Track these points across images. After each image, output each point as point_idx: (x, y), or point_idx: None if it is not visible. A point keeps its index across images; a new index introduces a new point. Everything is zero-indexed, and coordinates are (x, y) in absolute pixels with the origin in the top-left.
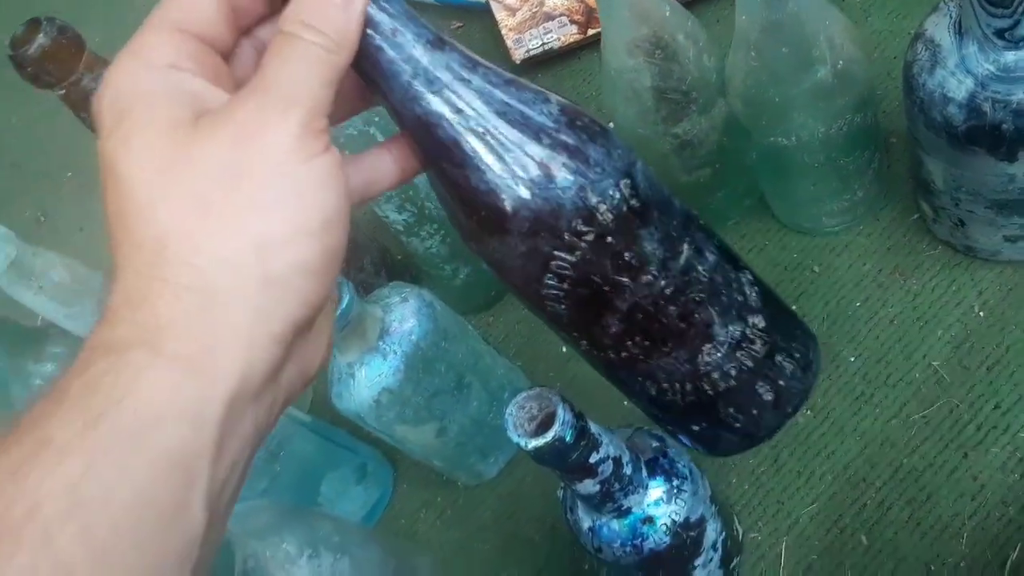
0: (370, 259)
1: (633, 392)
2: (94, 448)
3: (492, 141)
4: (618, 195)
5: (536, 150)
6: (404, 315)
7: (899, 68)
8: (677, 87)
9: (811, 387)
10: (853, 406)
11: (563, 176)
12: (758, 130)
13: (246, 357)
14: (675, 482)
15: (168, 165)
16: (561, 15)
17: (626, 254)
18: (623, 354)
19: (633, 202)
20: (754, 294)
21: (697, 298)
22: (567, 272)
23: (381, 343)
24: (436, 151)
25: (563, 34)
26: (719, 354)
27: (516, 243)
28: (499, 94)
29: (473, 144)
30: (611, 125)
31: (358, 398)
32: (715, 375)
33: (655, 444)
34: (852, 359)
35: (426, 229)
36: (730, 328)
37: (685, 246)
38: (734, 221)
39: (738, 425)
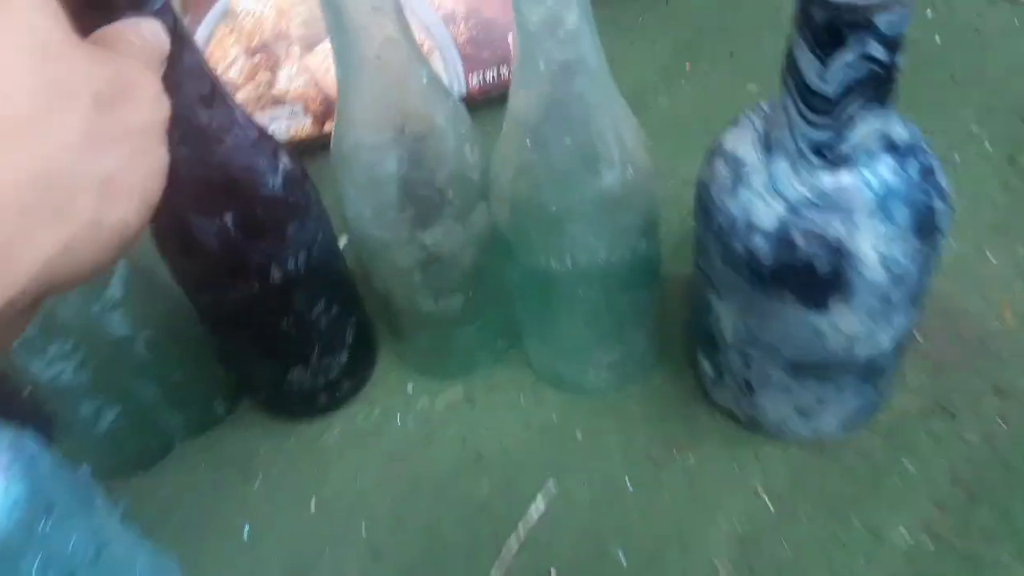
0: None
1: None
2: None
3: None
4: None
5: None
6: None
7: (677, 202)
8: (429, 180)
9: None
10: None
11: None
12: (525, 247)
13: (27, 272)
14: None
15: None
16: (294, 101)
17: None
18: None
19: None
20: None
21: None
22: None
23: None
24: None
25: (294, 125)
26: None
27: None
28: None
29: None
30: (343, 239)
31: None
32: None
33: None
34: (621, 554)
35: (55, 348)
36: None
37: None
38: (484, 368)
39: None
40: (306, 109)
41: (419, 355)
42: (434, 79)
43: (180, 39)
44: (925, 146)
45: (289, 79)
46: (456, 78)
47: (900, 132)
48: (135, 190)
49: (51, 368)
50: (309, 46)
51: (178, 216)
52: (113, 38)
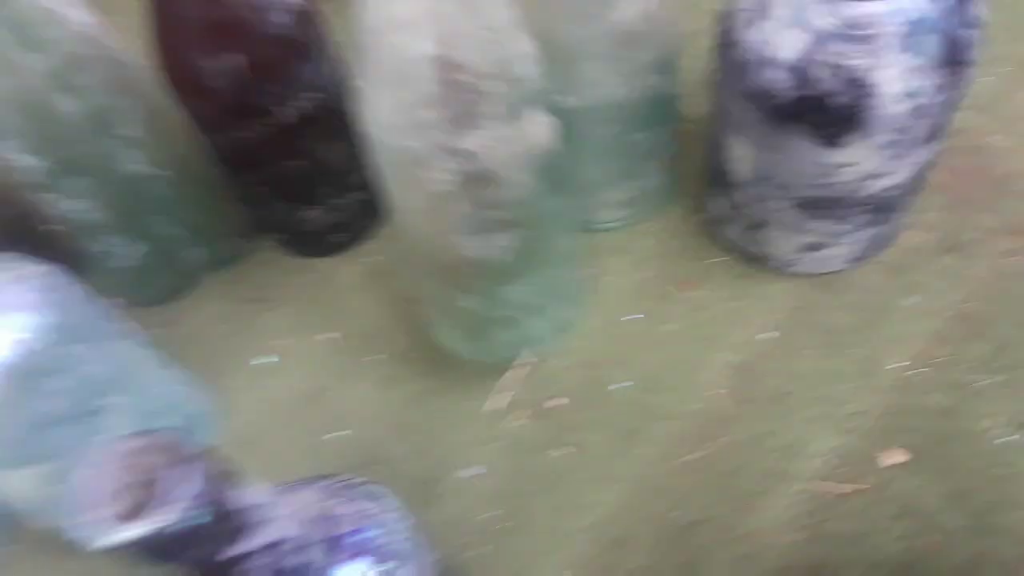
0: None
1: None
2: None
3: None
4: None
5: None
6: (8, 303)
7: (701, 37)
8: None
9: None
10: (622, 445)
11: None
12: None
13: None
14: (386, 566)
15: None
16: None
17: None
18: None
19: None
20: None
21: None
22: None
23: None
24: None
25: None
26: None
27: None
28: None
29: None
30: None
31: None
32: None
33: (363, 508)
34: (625, 384)
35: (73, 183)
36: None
37: None
38: (540, 343)
39: None
40: None
41: (457, 332)
42: None
43: None
44: None
45: None
46: None
47: None
48: None
49: (74, 205)
50: None
51: (184, 55)
52: None
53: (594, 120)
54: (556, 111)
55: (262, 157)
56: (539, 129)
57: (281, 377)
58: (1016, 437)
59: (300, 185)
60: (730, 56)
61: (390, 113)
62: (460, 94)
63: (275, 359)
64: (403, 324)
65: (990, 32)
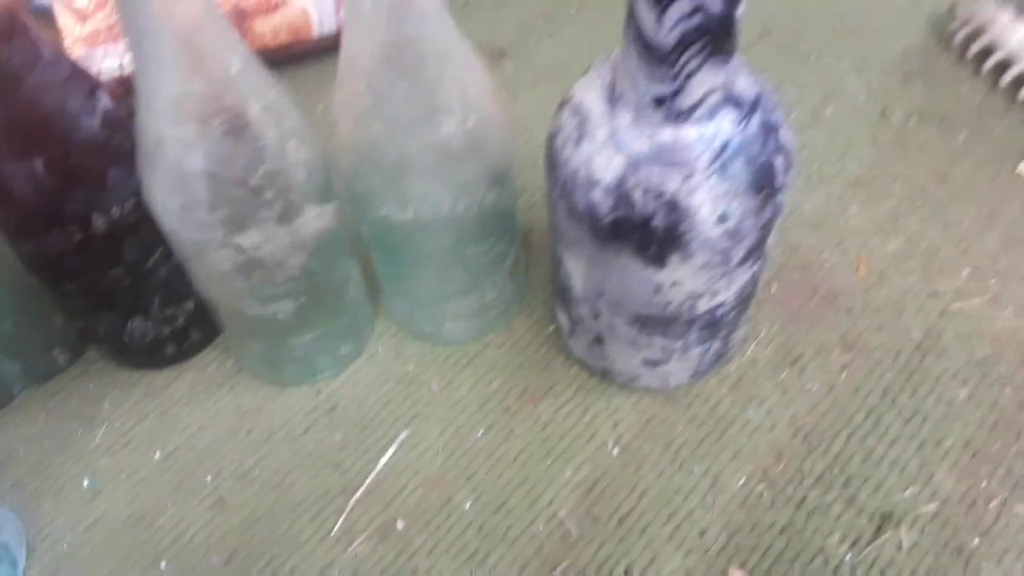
0: None
1: None
2: None
3: None
4: None
5: None
6: None
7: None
8: (243, 179)
9: None
10: (463, 570)
11: None
12: (369, 198)
13: None
14: None
15: None
16: None
17: None
18: None
19: None
20: None
21: None
22: None
23: None
24: None
25: None
26: None
27: None
28: None
29: None
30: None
31: None
32: None
33: None
34: (467, 505)
35: None
36: None
37: None
38: (326, 374)
39: None
40: None
41: (254, 361)
42: (250, 64)
43: None
44: (772, 101)
45: None
46: (327, 11)
47: (744, 87)
48: None
49: None
50: None
51: None
52: None
53: (430, 233)
54: (387, 225)
55: (76, 266)
56: (316, 221)
57: (104, 502)
58: (849, 556)
59: (122, 295)
60: (557, 175)
61: (175, 210)
62: (231, 202)
63: (97, 482)
64: (237, 440)
65: (819, 153)
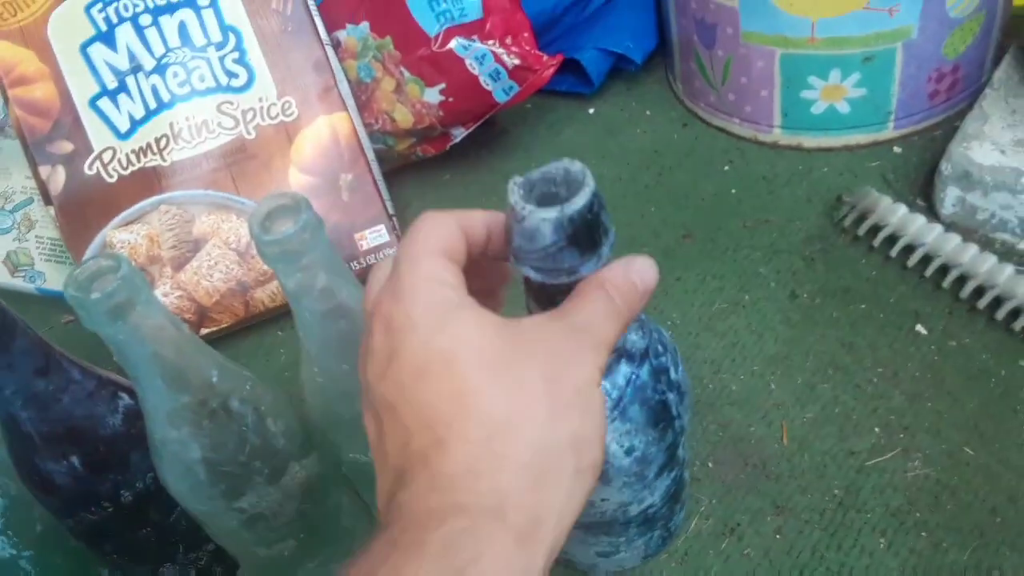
0: None
1: None
2: None
3: None
4: None
5: None
6: None
7: None
8: (234, 458)
9: None
10: None
11: None
12: (338, 446)
13: (556, 536)
14: None
15: (499, 358)
16: None
17: None
18: None
19: None
20: None
21: None
22: None
23: None
24: None
25: None
26: None
27: None
28: None
29: None
30: None
31: None
32: None
33: None
34: None
35: None
36: None
37: None
38: None
39: None
40: (182, 320)
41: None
42: (225, 369)
43: (11, 324)
44: (660, 347)
45: (164, 296)
46: None
47: (635, 341)
48: (595, 435)
49: None
50: (179, 265)
51: (31, 461)
52: (600, 282)
53: None
54: (361, 464)
55: (112, 531)
56: (300, 473)
57: None
58: None
59: (151, 548)
60: None
61: (184, 490)
62: (227, 478)
63: None
64: None
65: (741, 337)
